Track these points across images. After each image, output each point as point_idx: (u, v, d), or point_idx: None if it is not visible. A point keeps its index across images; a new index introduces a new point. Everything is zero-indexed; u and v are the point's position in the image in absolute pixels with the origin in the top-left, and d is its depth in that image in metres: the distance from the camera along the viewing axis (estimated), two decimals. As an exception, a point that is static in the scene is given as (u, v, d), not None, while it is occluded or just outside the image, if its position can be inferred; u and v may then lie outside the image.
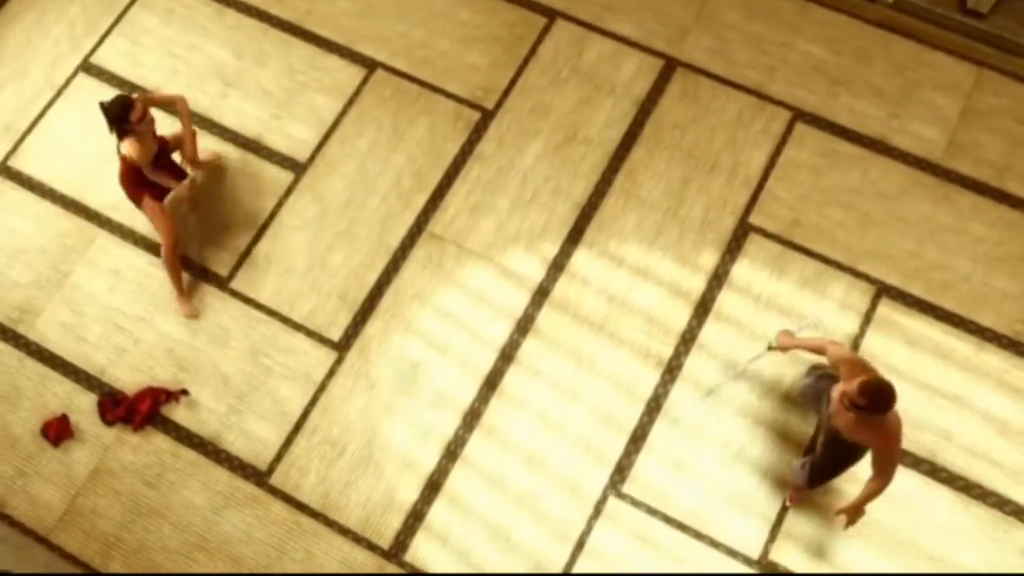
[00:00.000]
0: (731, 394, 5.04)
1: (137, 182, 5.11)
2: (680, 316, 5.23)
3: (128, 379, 5.27)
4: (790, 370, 5.06)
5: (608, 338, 5.20)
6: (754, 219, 5.41)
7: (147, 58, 6.05)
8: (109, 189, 5.71)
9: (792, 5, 5.92)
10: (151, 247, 5.57)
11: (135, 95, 4.97)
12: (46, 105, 5.98)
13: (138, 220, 5.63)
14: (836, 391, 3.99)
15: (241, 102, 5.89)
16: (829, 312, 5.15)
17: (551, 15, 5.99)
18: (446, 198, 5.58)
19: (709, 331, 5.19)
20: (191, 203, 5.51)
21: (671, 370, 5.13)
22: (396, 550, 4.89)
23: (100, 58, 6.08)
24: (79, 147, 5.84)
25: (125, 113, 4.78)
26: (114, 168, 5.75)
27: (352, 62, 5.96)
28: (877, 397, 3.77)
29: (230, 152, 5.76)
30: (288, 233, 5.54)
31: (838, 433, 4.12)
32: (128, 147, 4.89)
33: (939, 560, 4.70)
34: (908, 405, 4.93)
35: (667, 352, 5.15)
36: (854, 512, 4.22)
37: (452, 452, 5.05)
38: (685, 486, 4.91)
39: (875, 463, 4.07)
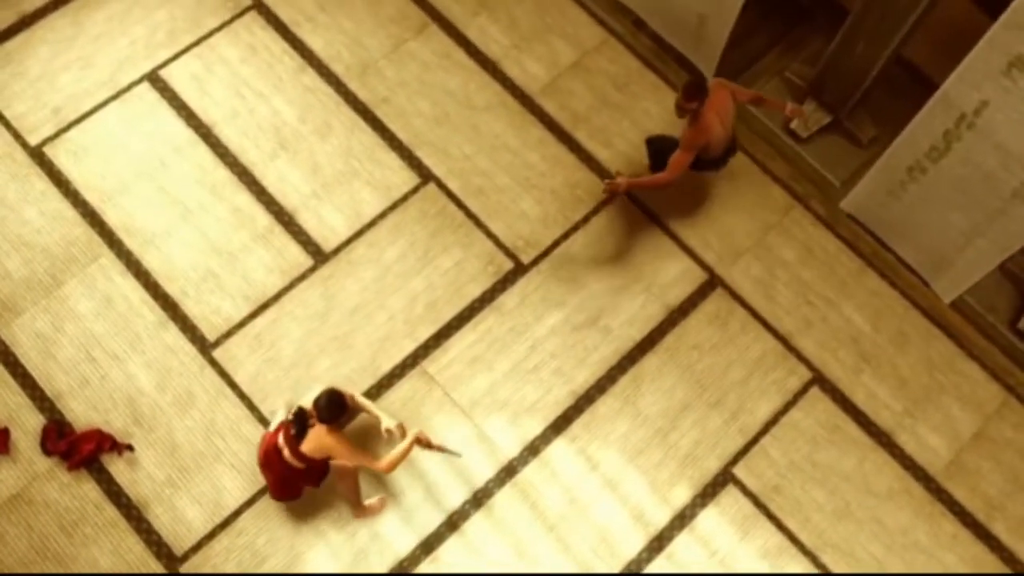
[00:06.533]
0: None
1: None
2: (633, 544, 5.11)
3: (81, 414, 5.16)
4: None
5: (556, 542, 5.09)
6: (738, 470, 5.30)
7: (214, 90, 5.95)
8: (132, 210, 5.61)
9: (851, 264, 5.81)
10: (150, 284, 5.45)
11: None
12: (101, 102, 5.87)
13: (147, 253, 5.52)
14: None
15: (289, 169, 5.78)
16: (777, 594, 5.06)
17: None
18: (451, 340, 5.47)
19: (655, 568, 5.08)
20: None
21: (605, 595, 5.02)
22: None
23: (169, 73, 5.97)
24: (119, 157, 5.73)
25: (342, 409, 4.40)
26: (143, 189, 5.67)
27: (409, 166, 5.85)
28: (694, 86, 4.90)
29: (259, 217, 5.65)
30: (287, 320, 5.43)
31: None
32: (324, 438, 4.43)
33: None
34: None
35: (608, 577, 5.05)
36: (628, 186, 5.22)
37: (366, 603, 4.94)
38: None
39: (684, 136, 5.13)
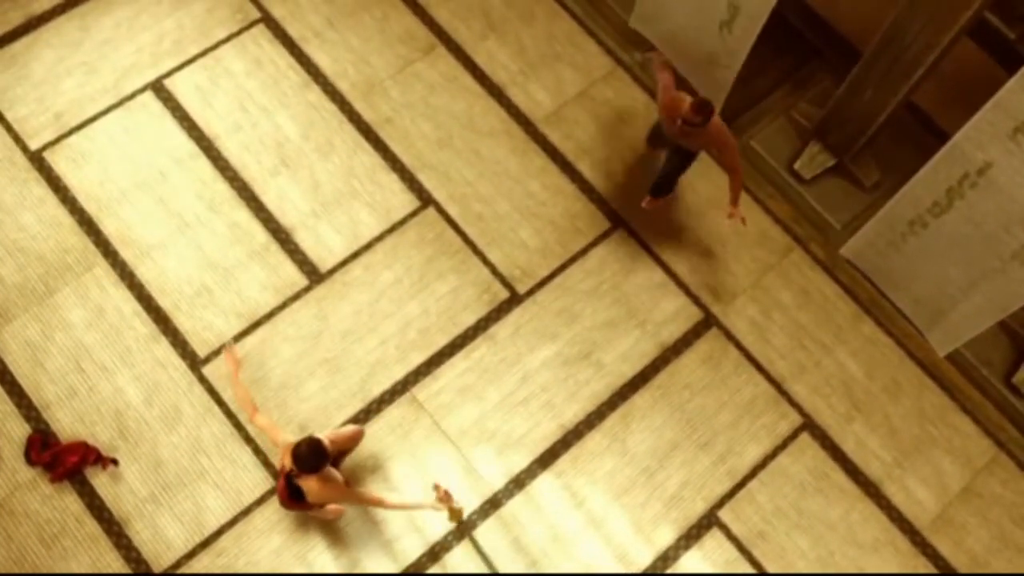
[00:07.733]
0: None
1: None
2: (614, 584, 5.10)
3: (67, 425, 5.13)
4: None
5: (537, 578, 5.07)
6: (723, 514, 5.28)
7: (218, 102, 5.91)
8: (129, 220, 5.58)
9: (847, 310, 5.77)
10: (143, 296, 5.43)
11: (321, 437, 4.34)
12: (104, 109, 5.83)
13: (142, 265, 5.49)
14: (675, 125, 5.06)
15: (289, 186, 5.75)
16: (756, 642, 5.03)
17: (617, 222, 5.85)
18: (442, 367, 5.44)
19: (635, 610, 5.06)
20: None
21: (583, 634, 5.00)
22: None
23: (174, 83, 5.94)
24: (118, 166, 5.70)
25: (324, 458, 4.20)
26: (142, 199, 5.65)
27: (410, 189, 5.82)
28: (704, 109, 4.89)
29: (257, 234, 5.62)
30: (279, 340, 5.41)
31: (683, 147, 5.31)
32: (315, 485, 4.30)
33: None
34: None
35: (587, 616, 5.03)
36: (735, 206, 5.23)
37: (342, 631, 4.92)
38: None
39: (725, 161, 5.26)
